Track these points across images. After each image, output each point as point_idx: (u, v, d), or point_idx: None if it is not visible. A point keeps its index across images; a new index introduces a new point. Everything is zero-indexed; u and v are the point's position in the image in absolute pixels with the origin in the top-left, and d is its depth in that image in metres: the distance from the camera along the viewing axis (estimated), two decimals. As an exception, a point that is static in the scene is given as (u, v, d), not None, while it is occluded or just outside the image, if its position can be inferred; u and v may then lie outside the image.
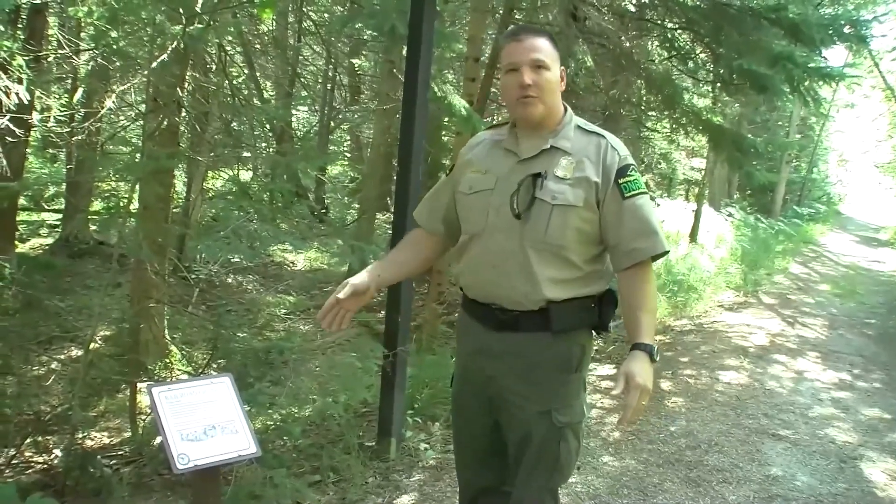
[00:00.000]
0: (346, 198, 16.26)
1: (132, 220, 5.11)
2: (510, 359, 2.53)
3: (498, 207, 2.47)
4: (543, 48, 2.44)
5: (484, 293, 2.55)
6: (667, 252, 2.50)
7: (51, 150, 12.92)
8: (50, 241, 9.95)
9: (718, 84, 9.80)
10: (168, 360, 5.82)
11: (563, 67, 2.52)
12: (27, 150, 7.54)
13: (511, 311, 2.49)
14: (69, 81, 8.87)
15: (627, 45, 8.98)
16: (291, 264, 11.34)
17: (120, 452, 4.57)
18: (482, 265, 2.52)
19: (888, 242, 23.47)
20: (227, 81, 6.42)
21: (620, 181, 2.45)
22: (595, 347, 7.57)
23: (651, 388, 2.28)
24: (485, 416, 2.67)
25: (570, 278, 2.46)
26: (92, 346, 4.66)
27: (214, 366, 4.93)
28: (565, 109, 2.56)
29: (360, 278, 2.61)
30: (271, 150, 9.93)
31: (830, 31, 7.48)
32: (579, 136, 2.53)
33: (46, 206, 11.55)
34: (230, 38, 8.39)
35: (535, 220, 2.42)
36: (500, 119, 15.42)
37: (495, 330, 2.53)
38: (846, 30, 7.61)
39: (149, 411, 4.75)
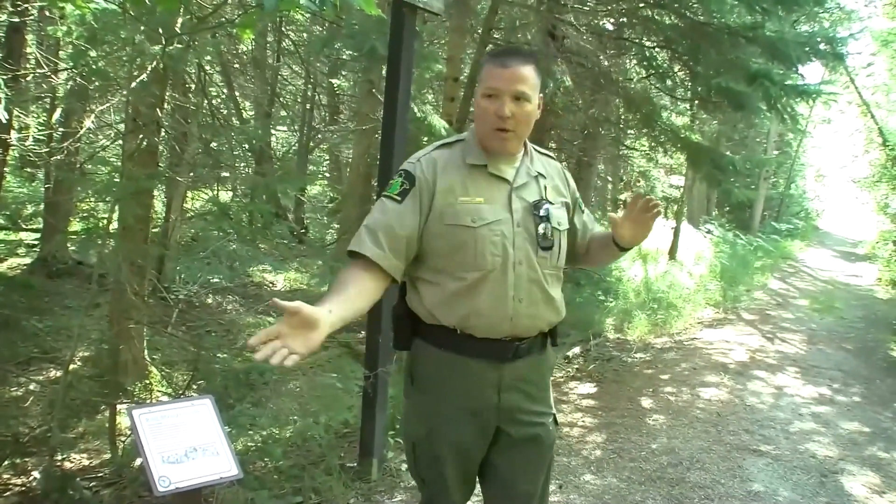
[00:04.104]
0: (325, 218, 16.22)
1: (111, 240, 5.08)
2: (524, 384, 2.50)
3: (515, 238, 2.39)
4: (528, 79, 2.35)
5: (502, 328, 2.40)
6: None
7: (29, 170, 12.84)
8: (28, 260, 9.86)
9: (696, 102, 9.91)
10: (148, 382, 5.79)
11: (541, 95, 2.45)
12: (5, 168, 7.50)
13: (526, 339, 2.45)
14: (48, 101, 8.85)
15: (606, 63, 9.04)
16: (271, 285, 11.28)
17: (100, 474, 4.53)
18: (504, 300, 2.37)
19: (866, 257, 23.60)
20: (206, 101, 6.43)
21: (577, 197, 2.70)
22: (576, 366, 7.66)
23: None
24: (478, 452, 2.52)
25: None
26: (71, 366, 4.63)
27: (195, 387, 4.91)
28: None
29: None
30: (251, 170, 9.93)
31: (807, 49, 7.60)
32: (539, 158, 2.59)
33: (24, 226, 11.45)
34: (209, 58, 8.39)
35: (553, 249, 2.47)
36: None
37: (510, 361, 2.44)
38: (822, 47, 7.72)
39: (128, 432, 4.72)
